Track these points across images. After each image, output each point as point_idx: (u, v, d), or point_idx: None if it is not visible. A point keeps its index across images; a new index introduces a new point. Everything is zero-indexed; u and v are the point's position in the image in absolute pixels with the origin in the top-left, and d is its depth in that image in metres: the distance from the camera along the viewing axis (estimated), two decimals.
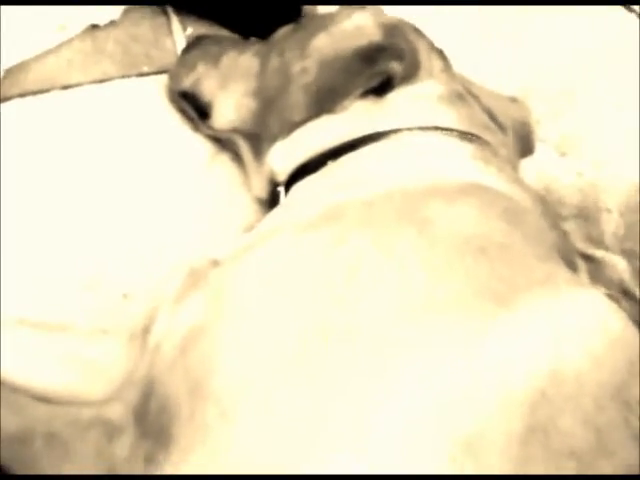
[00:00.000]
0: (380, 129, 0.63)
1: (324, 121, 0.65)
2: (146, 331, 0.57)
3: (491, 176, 0.59)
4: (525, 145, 0.78)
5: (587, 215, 0.74)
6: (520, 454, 0.43)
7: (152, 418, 0.49)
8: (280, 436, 0.45)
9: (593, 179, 0.74)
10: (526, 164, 0.75)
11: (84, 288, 0.67)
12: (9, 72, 0.79)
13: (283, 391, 0.46)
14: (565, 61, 0.82)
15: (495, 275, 0.49)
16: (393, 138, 0.62)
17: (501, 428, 0.43)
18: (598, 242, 0.72)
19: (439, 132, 0.62)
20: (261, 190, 0.71)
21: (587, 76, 0.80)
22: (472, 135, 0.63)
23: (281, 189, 0.67)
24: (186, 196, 0.74)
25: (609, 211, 0.72)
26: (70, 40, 0.83)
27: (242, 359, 0.48)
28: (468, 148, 0.62)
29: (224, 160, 0.75)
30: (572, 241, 0.68)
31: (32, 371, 0.58)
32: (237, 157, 0.75)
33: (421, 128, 0.62)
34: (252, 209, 0.73)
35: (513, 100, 0.80)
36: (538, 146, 0.78)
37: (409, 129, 0.62)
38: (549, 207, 0.63)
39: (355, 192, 0.56)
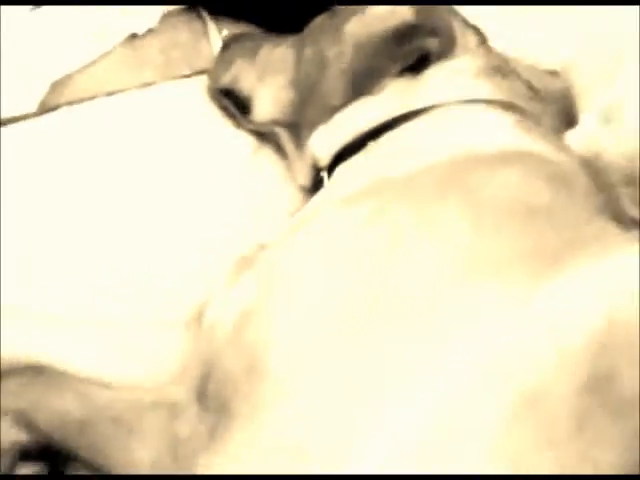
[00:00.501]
0: (419, 106, 0.63)
1: (362, 103, 0.66)
2: (200, 318, 0.59)
3: (535, 143, 0.59)
4: (567, 117, 0.77)
5: (634, 181, 0.73)
6: (582, 404, 0.42)
7: (212, 396, 0.50)
8: (337, 407, 0.46)
9: (638, 143, 0.73)
10: (569, 135, 0.74)
11: (136, 285, 0.69)
12: (55, 85, 0.82)
13: (337, 362, 0.46)
14: (607, 32, 0.81)
15: (543, 235, 0.49)
16: (432, 113, 0.62)
17: (562, 380, 0.43)
18: None
19: (479, 104, 0.62)
20: (304, 178, 0.71)
21: (630, 46, 0.79)
22: (513, 105, 0.63)
23: (324, 174, 0.68)
24: (232, 190, 0.75)
25: None
26: (111, 50, 0.85)
27: (294, 334, 0.48)
28: (510, 117, 0.61)
29: (267, 153, 0.77)
30: (623, 203, 0.67)
31: (95, 362, 0.59)
32: (279, 149, 0.76)
33: (460, 102, 0.62)
34: (297, 198, 0.74)
35: (553, 74, 0.79)
36: (581, 118, 0.77)
37: (448, 103, 0.62)
38: (596, 171, 0.62)
39: (395, 167, 0.57)
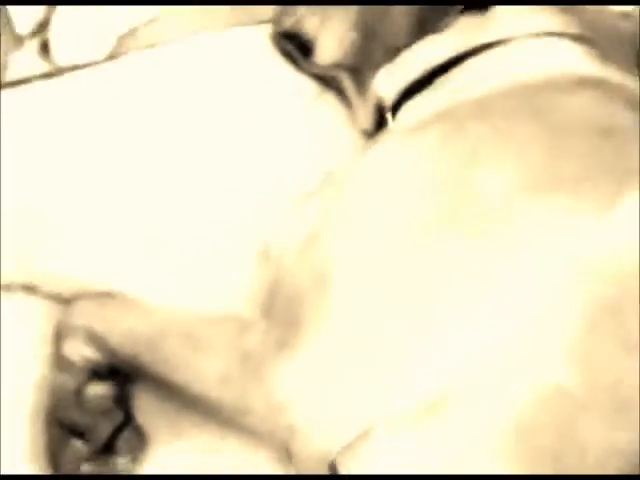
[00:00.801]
0: (487, 40, 0.62)
1: (429, 41, 0.65)
2: (268, 249, 0.60)
3: (608, 71, 0.59)
4: None
5: None
6: None
7: (280, 310, 0.51)
8: (404, 315, 0.46)
9: None
10: None
11: (202, 226, 0.70)
12: (121, 38, 0.84)
13: (405, 275, 0.47)
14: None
15: (621, 152, 0.49)
16: (502, 46, 0.62)
17: (638, 291, 0.43)
18: None
19: (549, 37, 0.62)
20: (367, 121, 0.72)
21: None
22: (584, 37, 0.63)
23: (388, 114, 0.68)
24: (294, 135, 0.76)
25: None
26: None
27: (361, 249, 0.49)
28: (582, 48, 0.61)
29: (329, 98, 0.77)
30: None
31: (166, 292, 0.61)
32: (342, 94, 0.76)
33: (530, 35, 0.62)
34: (359, 144, 0.75)
35: (625, 15, 0.78)
36: None
37: (517, 37, 0.62)
38: None
39: (466, 94, 0.57)
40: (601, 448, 0.40)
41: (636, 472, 0.41)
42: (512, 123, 0.50)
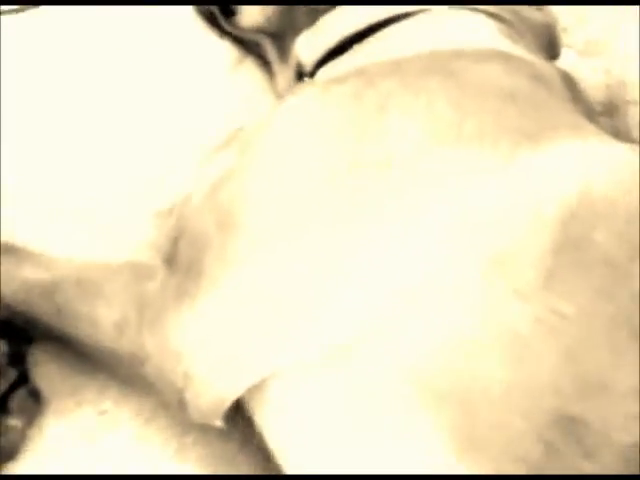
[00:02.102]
0: (405, 10, 0.63)
1: (348, 7, 0.66)
2: (173, 205, 0.59)
3: (517, 48, 0.60)
4: (551, 49, 0.78)
5: (614, 110, 0.74)
6: (552, 265, 0.43)
7: (182, 255, 0.50)
8: (311, 262, 0.46)
9: (619, 75, 0.74)
10: None
11: (118, 180, 0.68)
12: None
13: (313, 220, 0.47)
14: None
15: (524, 115, 0.50)
16: (418, 16, 0.62)
17: (532, 243, 0.44)
18: (626, 136, 0.72)
19: (467, 10, 0.63)
20: (287, 85, 0.71)
21: None
22: (498, 15, 0.64)
23: (307, 79, 0.68)
24: (212, 100, 0.75)
25: (636, 103, 0.72)
26: None
27: (272, 191, 0.48)
28: (495, 24, 0.62)
29: (249, 64, 0.76)
30: (597, 119, 0.67)
31: (66, 242, 0.59)
32: (263, 59, 0.76)
33: (449, 7, 0.63)
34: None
35: (538, 8, 0.80)
36: (564, 51, 0.78)
37: (434, 8, 0.63)
38: (576, 84, 0.63)
39: (382, 57, 0.57)
40: (504, 387, 0.41)
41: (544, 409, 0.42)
42: (422, 80, 0.51)
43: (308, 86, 0.56)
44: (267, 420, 0.48)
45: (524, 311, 0.42)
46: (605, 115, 0.74)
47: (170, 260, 0.51)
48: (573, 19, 0.81)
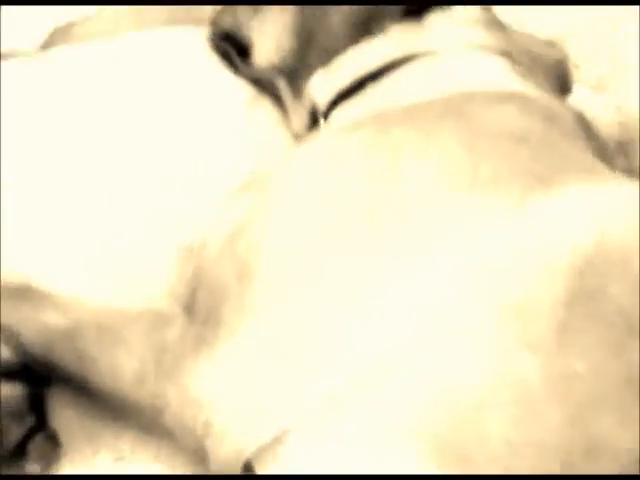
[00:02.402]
0: (419, 50, 0.64)
1: (363, 47, 0.66)
2: (191, 247, 0.59)
3: (529, 88, 0.60)
4: (562, 85, 0.78)
5: (627, 148, 0.74)
6: (565, 316, 0.42)
7: (201, 304, 0.50)
8: (326, 310, 0.46)
9: (632, 111, 0.74)
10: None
11: (131, 221, 0.68)
12: (56, 30, 0.82)
13: (328, 268, 0.47)
14: (600, 5, 0.82)
15: (537, 158, 0.50)
16: (432, 57, 0.63)
17: (545, 292, 0.43)
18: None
19: (478, 50, 0.63)
20: (301, 124, 0.72)
21: (623, 17, 0.81)
22: (510, 54, 0.64)
23: (321, 119, 0.68)
24: (226, 136, 0.75)
25: None
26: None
27: (288, 240, 0.48)
28: (507, 64, 0.63)
29: (264, 102, 0.77)
30: (613, 159, 0.68)
31: (84, 284, 0.59)
32: (277, 98, 0.76)
33: (460, 47, 0.63)
34: (292, 147, 0.74)
35: (549, 43, 0.80)
36: (575, 87, 0.78)
37: (448, 48, 0.63)
38: (589, 124, 0.63)
39: (396, 101, 0.58)
40: (507, 445, 0.40)
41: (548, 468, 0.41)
42: (435, 124, 0.51)
43: (323, 133, 0.57)
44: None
45: (535, 364, 0.42)
46: (618, 153, 0.74)
47: (189, 308, 0.51)
48: (585, 55, 0.81)
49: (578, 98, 0.78)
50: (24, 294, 0.57)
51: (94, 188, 0.67)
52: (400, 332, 0.44)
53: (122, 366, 0.50)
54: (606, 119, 0.77)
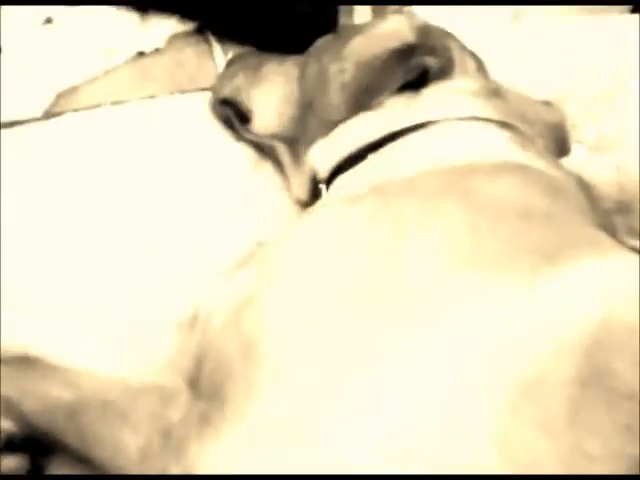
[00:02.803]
0: (418, 121, 0.65)
1: (362, 117, 0.67)
2: (194, 317, 0.59)
3: (530, 158, 0.61)
4: (561, 146, 0.79)
5: (627, 208, 0.74)
6: (577, 397, 0.42)
7: (205, 380, 0.50)
8: (332, 392, 0.46)
9: (632, 172, 0.75)
10: (563, 163, 0.76)
11: (134, 288, 0.69)
12: (60, 95, 0.84)
13: (333, 347, 0.47)
14: (599, 64, 0.83)
15: (540, 235, 0.50)
16: (431, 128, 0.64)
17: (556, 371, 0.43)
18: None
19: (476, 121, 0.64)
20: (303, 191, 0.73)
21: (622, 78, 0.82)
22: (508, 125, 0.65)
23: (322, 186, 0.69)
24: (228, 202, 0.76)
25: None
26: (117, 66, 0.87)
27: (292, 319, 0.49)
28: (506, 134, 0.63)
29: (266, 167, 0.78)
30: (615, 226, 0.68)
31: (86, 356, 0.59)
32: (278, 164, 0.77)
33: (459, 119, 0.64)
34: (295, 212, 0.75)
35: (547, 104, 0.81)
36: (574, 147, 0.79)
37: (446, 120, 0.64)
38: (590, 190, 0.64)
39: (397, 172, 0.58)
40: None
41: None
42: (438, 201, 0.52)
43: (325, 204, 0.57)
44: None
45: (549, 448, 0.41)
46: (618, 213, 0.75)
47: (193, 382, 0.51)
48: (582, 115, 0.82)
49: (577, 159, 0.79)
50: (25, 365, 0.58)
51: (97, 257, 0.68)
52: (406, 417, 0.44)
53: (126, 443, 0.50)
54: (605, 179, 0.77)
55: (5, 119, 0.78)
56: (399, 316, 0.47)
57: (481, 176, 0.55)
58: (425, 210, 0.51)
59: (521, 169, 0.58)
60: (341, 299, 0.48)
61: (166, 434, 0.49)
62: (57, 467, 0.59)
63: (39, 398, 0.55)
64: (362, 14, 0.92)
